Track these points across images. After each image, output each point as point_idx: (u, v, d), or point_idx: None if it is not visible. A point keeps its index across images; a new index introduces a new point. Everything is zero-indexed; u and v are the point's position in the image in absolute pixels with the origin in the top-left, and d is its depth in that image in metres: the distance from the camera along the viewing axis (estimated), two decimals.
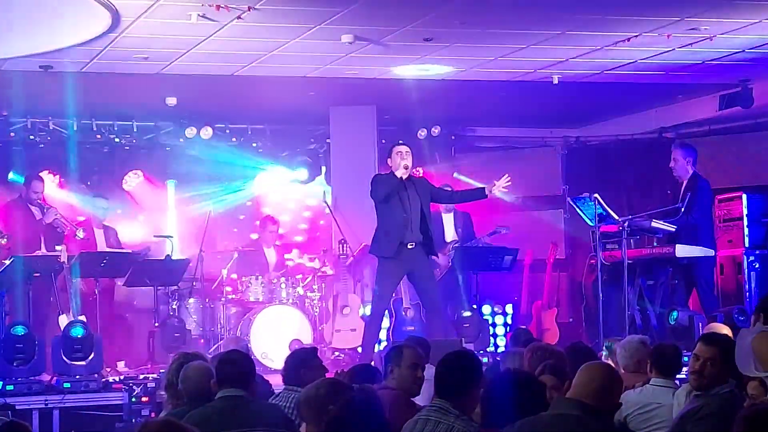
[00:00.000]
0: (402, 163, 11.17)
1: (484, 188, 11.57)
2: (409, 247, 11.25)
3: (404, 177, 11.19)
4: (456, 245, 13.26)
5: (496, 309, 14.07)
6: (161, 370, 10.83)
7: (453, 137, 15.56)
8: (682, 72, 12.66)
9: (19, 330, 10.68)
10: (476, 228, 13.78)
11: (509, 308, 14.13)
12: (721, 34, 10.95)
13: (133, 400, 10.32)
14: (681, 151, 12.05)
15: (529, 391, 5.33)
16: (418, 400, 6.93)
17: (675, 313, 11.27)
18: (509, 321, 13.98)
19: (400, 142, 11.70)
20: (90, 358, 10.83)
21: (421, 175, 13.02)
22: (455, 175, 15.07)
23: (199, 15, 9.58)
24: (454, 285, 13.16)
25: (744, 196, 12.58)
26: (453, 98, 13.76)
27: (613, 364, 7.70)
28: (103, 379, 10.89)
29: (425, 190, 11.48)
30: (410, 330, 12.78)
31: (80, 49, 10.82)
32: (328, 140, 14.76)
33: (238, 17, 9.72)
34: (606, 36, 11.02)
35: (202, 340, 12.97)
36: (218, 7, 9.35)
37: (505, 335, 13.82)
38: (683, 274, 11.81)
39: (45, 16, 9.78)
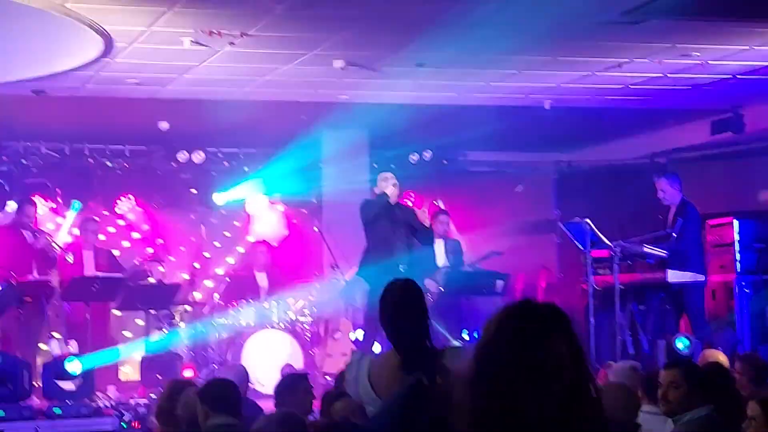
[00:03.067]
0: (394, 191, 11.38)
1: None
2: (402, 270, 11.25)
3: (392, 200, 11.28)
4: (446, 271, 13.23)
5: None
6: (152, 395, 10.81)
7: (445, 162, 15.56)
8: (674, 97, 12.71)
9: None
10: (468, 252, 13.77)
11: None
12: (712, 60, 11.00)
13: (124, 425, 10.28)
14: (666, 180, 12.08)
15: None
16: None
17: (685, 340, 11.27)
18: None
19: (385, 169, 11.80)
20: (81, 383, 10.79)
21: (411, 201, 13.10)
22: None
23: (191, 41, 9.61)
24: (446, 310, 13.14)
25: (735, 222, 12.59)
26: (445, 123, 13.77)
27: None
28: (94, 405, 10.84)
29: (410, 217, 11.63)
30: None
31: (73, 74, 10.84)
32: (320, 164, 14.75)
33: (231, 43, 9.75)
34: (597, 62, 11.07)
35: (197, 365, 12.91)
36: (211, 33, 9.39)
37: None
38: (674, 300, 11.81)
39: (38, 41, 9.81)
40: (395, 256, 11.31)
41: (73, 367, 10.84)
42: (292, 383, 7.39)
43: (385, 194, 11.41)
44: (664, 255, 11.59)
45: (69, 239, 13.35)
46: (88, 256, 13.06)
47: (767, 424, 5.47)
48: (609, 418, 4.74)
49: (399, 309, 5.10)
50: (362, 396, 5.12)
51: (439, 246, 13.57)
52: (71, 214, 13.75)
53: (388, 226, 11.31)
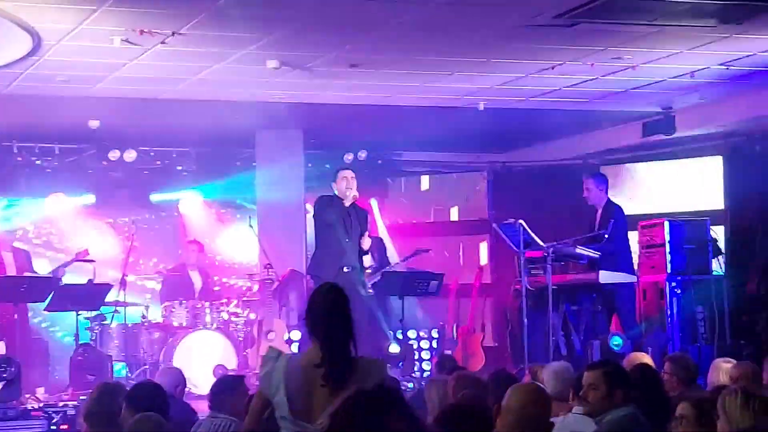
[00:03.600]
0: (350, 194, 11.37)
1: None
2: (345, 271, 11.33)
3: (348, 202, 11.36)
4: (371, 271, 13.23)
5: (422, 334, 14.06)
6: (82, 397, 10.68)
7: (380, 161, 15.55)
8: (607, 99, 12.80)
9: None
10: (399, 254, 13.79)
11: (435, 333, 14.14)
12: (645, 63, 11.08)
13: (53, 427, 10.15)
14: (593, 180, 12.24)
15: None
16: None
17: (619, 339, 11.35)
18: (435, 346, 13.97)
19: (345, 166, 11.77)
20: (9, 385, 10.62)
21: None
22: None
23: (122, 39, 9.50)
24: (379, 310, 13.16)
25: (666, 223, 12.68)
26: (380, 123, 13.77)
27: None
28: (22, 407, 10.69)
29: (363, 220, 11.64)
30: None
31: (1, 71, 10.67)
32: (254, 163, 14.68)
33: (162, 42, 9.64)
34: (531, 64, 11.11)
35: (128, 366, 12.80)
36: (142, 31, 9.28)
37: (430, 360, 13.82)
38: (606, 300, 11.92)
39: None
40: (345, 261, 11.31)
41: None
42: (228, 385, 7.34)
43: (339, 198, 11.39)
44: (596, 256, 11.68)
45: None
46: (7, 257, 12.88)
47: (698, 424, 5.50)
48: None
49: (328, 315, 5.08)
50: (272, 393, 5.07)
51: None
52: None
53: (342, 231, 11.33)
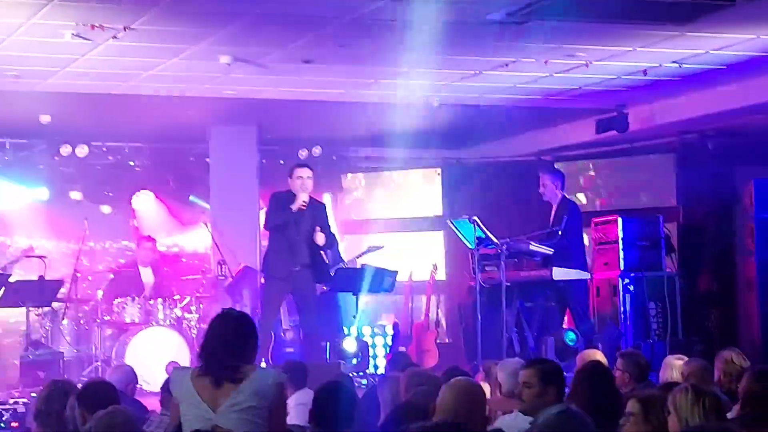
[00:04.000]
0: (302, 196, 11.26)
1: None
2: (296, 270, 11.32)
3: (303, 207, 11.25)
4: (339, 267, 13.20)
5: (376, 330, 14.05)
6: (32, 395, 10.57)
7: (335, 157, 15.52)
8: (560, 97, 12.85)
9: None
10: (350, 249, 13.77)
11: (389, 329, 14.13)
12: (597, 60, 11.13)
13: (2, 425, 10.04)
14: (549, 176, 12.28)
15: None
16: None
17: (572, 335, 11.40)
18: (389, 342, 13.96)
19: (302, 163, 11.68)
20: None
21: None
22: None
23: (73, 34, 9.41)
24: (333, 306, 13.15)
25: (620, 220, 12.77)
26: (334, 119, 13.74)
27: (488, 387, 7.76)
28: None
29: (319, 216, 11.57)
30: (289, 352, 12.71)
31: None
32: (207, 159, 14.60)
33: (114, 37, 9.58)
34: (485, 61, 11.12)
35: (80, 363, 12.70)
36: (93, 26, 9.21)
37: (385, 356, 13.81)
38: (559, 297, 11.97)
39: None
40: (295, 261, 11.29)
41: None
42: None
43: (293, 195, 11.32)
44: (549, 252, 11.72)
45: None
46: None
47: (646, 421, 5.53)
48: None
49: (223, 342, 5.52)
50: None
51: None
52: None
53: (293, 230, 11.30)
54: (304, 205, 11.28)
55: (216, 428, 5.31)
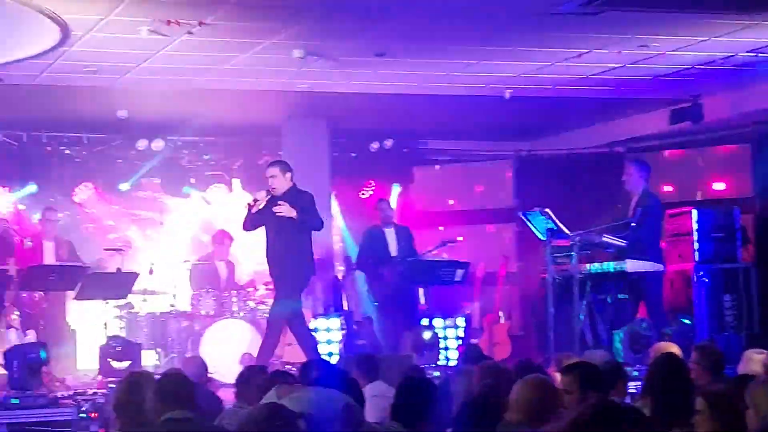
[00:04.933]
0: (258, 194, 11.10)
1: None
2: (276, 266, 11.16)
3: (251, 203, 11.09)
4: (400, 260, 13.25)
5: (447, 322, 14.07)
6: (111, 385, 10.74)
7: (406, 150, 15.56)
8: (633, 87, 12.76)
9: None
10: (423, 241, 13.79)
11: (461, 321, 14.14)
12: (671, 50, 11.06)
13: (82, 415, 10.21)
14: (635, 165, 12.12)
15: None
16: (368, 418, 6.94)
17: (643, 324, 11.33)
18: (461, 334, 13.98)
19: (269, 163, 11.57)
20: (35, 371, 10.68)
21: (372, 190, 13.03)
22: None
23: (149, 30, 9.55)
24: (405, 299, 13.19)
25: (694, 212, 12.64)
26: (406, 112, 13.77)
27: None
28: (52, 395, 10.76)
29: (299, 203, 11.15)
30: (361, 344, 12.78)
31: (30, 62, 10.75)
32: (280, 152, 14.70)
33: (189, 32, 9.70)
34: (557, 52, 11.09)
35: (153, 354, 12.87)
36: (169, 22, 9.34)
37: (457, 349, 13.82)
38: (632, 289, 11.87)
39: None
40: (277, 254, 11.12)
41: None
42: (251, 376, 7.39)
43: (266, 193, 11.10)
44: (623, 244, 11.63)
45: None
46: (48, 247, 12.96)
47: (713, 420, 5.44)
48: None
49: None
50: None
51: (390, 234, 13.56)
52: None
53: (271, 223, 11.10)
54: (252, 203, 11.07)
55: None
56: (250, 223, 11.26)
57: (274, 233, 11.09)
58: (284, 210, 10.92)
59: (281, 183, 11.06)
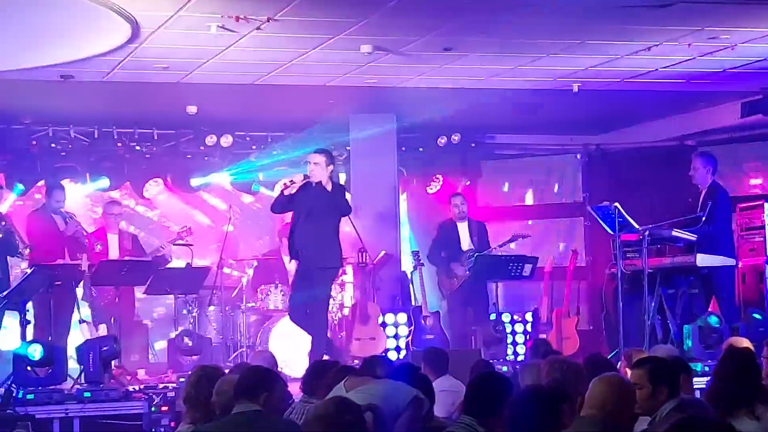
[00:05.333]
0: (296, 177, 11.12)
1: None
2: (302, 252, 11.11)
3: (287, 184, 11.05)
4: (472, 254, 13.25)
5: (516, 317, 14.04)
6: (181, 379, 10.85)
7: (473, 144, 15.53)
8: (704, 80, 12.63)
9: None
10: (493, 236, 13.76)
11: (529, 316, 14.11)
12: (743, 42, 10.92)
13: (153, 409, 10.32)
14: (701, 159, 12.01)
15: (542, 410, 5.31)
16: (436, 412, 6.95)
17: (714, 318, 11.23)
18: (529, 329, 13.94)
19: (315, 150, 11.57)
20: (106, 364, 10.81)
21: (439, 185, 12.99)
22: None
23: (218, 26, 9.61)
24: (475, 294, 13.19)
25: (766, 205, 12.50)
26: (473, 106, 13.74)
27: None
28: (124, 388, 10.89)
29: (338, 201, 11.23)
30: (429, 339, 12.81)
31: (101, 59, 10.87)
32: (348, 148, 14.74)
33: (258, 28, 9.75)
34: (626, 45, 11.00)
35: (226, 348, 12.99)
36: (237, 18, 9.39)
37: (524, 343, 13.80)
38: (703, 284, 11.75)
39: (66, 27, 9.84)
40: (297, 243, 11.09)
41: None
42: (321, 371, 7.42)
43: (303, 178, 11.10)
44: (693, 239, 11.52)
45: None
46: (112, 240, 13.11)
47: None
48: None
49: None
50: None
51: (463, 228, 13.58)
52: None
53: (297, 212, 11.14)
54: (288, 183, 11.05)
55: None
56: (279, 206, 11.34)
57: (304, 219, 11.04)
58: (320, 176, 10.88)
59: (321, 173, 11.06)
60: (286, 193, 11.06)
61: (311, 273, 11.10)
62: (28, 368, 10.32)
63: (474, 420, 5.69)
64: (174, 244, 13.31)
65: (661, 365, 6.06)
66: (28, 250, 11.81)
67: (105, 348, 10.81)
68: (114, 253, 12.85)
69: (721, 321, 11.25)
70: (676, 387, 5.98)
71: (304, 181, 10.99)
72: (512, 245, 13.41)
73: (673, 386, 5.92)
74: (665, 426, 4.24)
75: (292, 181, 11.07)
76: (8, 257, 11.82)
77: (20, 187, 13.63)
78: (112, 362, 11.13)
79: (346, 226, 14.42)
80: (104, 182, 14.25)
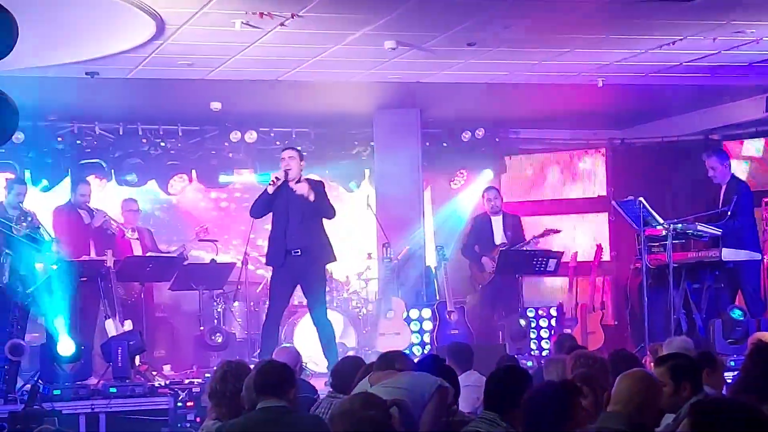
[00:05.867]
0: (274, 174, 10.96)
1: None
2: (294, 254, 10.95)
3: (274, 181, 10.90)
4: (503, 248, 13.25)
5: (540, 312, 14.02)
6: (206, 375, 10.91)
7: (497, 139, 15.51)
8: (728, 74, 12.58)
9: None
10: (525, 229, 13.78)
11: (554, 311, 14.09)
12: (767, 36, 10.87)
13: (179, 404, 10.38)
14: (717, 157, 12.01)
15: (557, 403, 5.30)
16: (461, 407, 6.96)
17: (738, 312, 11.21)
18: (554, 324, 13.92)
19: (287, 146, 11.53)
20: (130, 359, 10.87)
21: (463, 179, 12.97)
22: None
23: (242, 22, 9.65)
24: (506, 288, 13.19)
25: None
26: (497, 100, 13.73)
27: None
28: (149, 384, 10.94)
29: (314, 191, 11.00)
30: (454, 334, 12.80)
31: (126, 56, 10.92)
32: (372, 143, 14.75)
33: (281, 24, 9.78)
34: (650, 39, 10.97)
35: (251, 344, 13.01)
36: (261, 14, 9.42)
37: (549, 338, 13.78)
38: (729, 278, 11.72)
39: (91, 24, 9.88)
40: (291, 245, 10.97)
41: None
42: (347, 366, 7.43)
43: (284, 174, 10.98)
44: (718, 233, 11.50)
45: None
46: (132, 237, 13.16)
47: None
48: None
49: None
50: None
51: (497, 222, 13.60)
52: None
53: (282, 213, 10.97)
54: (277, 181, 10.85)
55: None
56: (263, 207, 11.06)
57: (285, 218, 10.93)
58: (304, 189, 10.81)
59: (297, 167, 11.01)
60: (270, 191, 10.91)
61: (316, 270, 11.12)
62: (55, 364, 10.41)
63: (495, 414, 5.71)
64: (199, 240, 13.37)
65: (682, 362, 6.02)
66: (55, 243, 11.86)
67: (132, 342, 10.89)
68: (136, 250, 12.92)
69: (746, 314, 11.22)
70: (699, 383, 5.96)
71: (282, 181, 10.89)
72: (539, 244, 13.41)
73: (695, 382, 5.90)
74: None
75: (277, 177, 10.95)
76: (37, 256, 11.87)
77: (45, 183, 13.68)
78: (137, 357, 11.22)
79: (371, 221, 14.50)
80: (132, 177, 14.28)
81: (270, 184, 10.95)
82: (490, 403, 5.81)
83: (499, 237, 13.61)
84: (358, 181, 15.17)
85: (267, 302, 11.73)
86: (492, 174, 15.34)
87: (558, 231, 13.61)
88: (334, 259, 11.43)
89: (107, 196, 14.04)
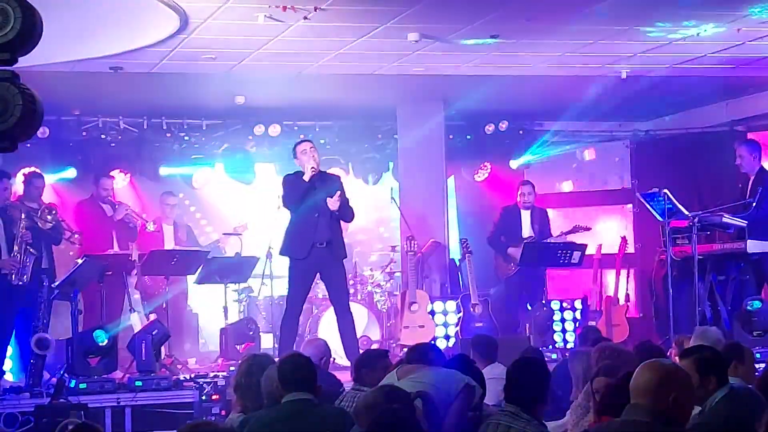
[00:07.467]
0: (308, 165, 10.98)
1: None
2: (319, 246, 11.05)
3: (313, 172, 10.96)
4: (528, 241, 13.24)
5: (565, 305, 14.00)
6: (231, 368, 10.94)
7: (521, 132, 15.47)
8: (753, 65, 12.51)
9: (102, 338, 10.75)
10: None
11: (578, 304, 14.06)
12: None
13: (204, 398, 10.42)
14: (746, 147, 11.97)
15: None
16: (485, 399, 6.96)
17: (757, 303, 11.16)
18: (578, 316, 13.89)
19: (303, 140, 11.53)
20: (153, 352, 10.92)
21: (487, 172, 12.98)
22: None
23: (265, 16, 9.65)
24: (532, 280, 13.19)
25: None
26: (521, 93, 13.70)
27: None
28: (174, 377, 10.99)
29: (333, 188, 11.16)
30: (478, 326, 12.80)
31: (150, 50, 10.95)
32: (395, 136, 14.75)
33: (305, 18, 9.78)
34: (675, 30, 10.92)
35: (272, 337, 13.04)
36: (284, 8, 9.42)
37: (574, 331, 13.75)
38: (754, 270, 11.68)
39: (114, 19, 9.91)
40: (317, 238, 11.07)
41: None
42: (371, 358, 7.45)
43: (301, 174, 11.07)
44: (743, 225, 11.45)
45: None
46: (168, 230, 13.22)
47: None
48: None
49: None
50: None
51: (525, 216, 13.59)
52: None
53: (309, 206, 11.03)
54: (314, 171, 10.93)
55: None
56: (301, 197, 11.04)
57: (314, 212, 11.00)
58: (335, 206, 10.98)
59: (317, 158, 11.12)
60: (306, 179, 10.97)
61: (337, 263, 11.20)
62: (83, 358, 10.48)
63: (516, 406, 5.72)
64: (223, 234, 13.42)
65: (707, 354, 5.96)
66: (77, 236, 11.93)
67: (155, 332, 10.94)
68: (169, 244, 12.98)
69: (763, 304, 11.18)
70: (725, 375, 5.91)
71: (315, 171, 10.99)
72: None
73: (721, 375, 5.86)
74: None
75: (313, 168, 11.01)
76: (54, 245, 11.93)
77: (68, 176, 13.74)
78: (162, 350, 11.26)
79: (394, 214, 14.50)
80: (164, 170, 14.32)
81: (307, 175, 10.94)
82: (509, 396, 5.82)
83: (526, 230, 13.61)
84: (381, 174, 15.17)
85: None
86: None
87: (588, 228, 13.56)
88: (346, 256, 11.58)
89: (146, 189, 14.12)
